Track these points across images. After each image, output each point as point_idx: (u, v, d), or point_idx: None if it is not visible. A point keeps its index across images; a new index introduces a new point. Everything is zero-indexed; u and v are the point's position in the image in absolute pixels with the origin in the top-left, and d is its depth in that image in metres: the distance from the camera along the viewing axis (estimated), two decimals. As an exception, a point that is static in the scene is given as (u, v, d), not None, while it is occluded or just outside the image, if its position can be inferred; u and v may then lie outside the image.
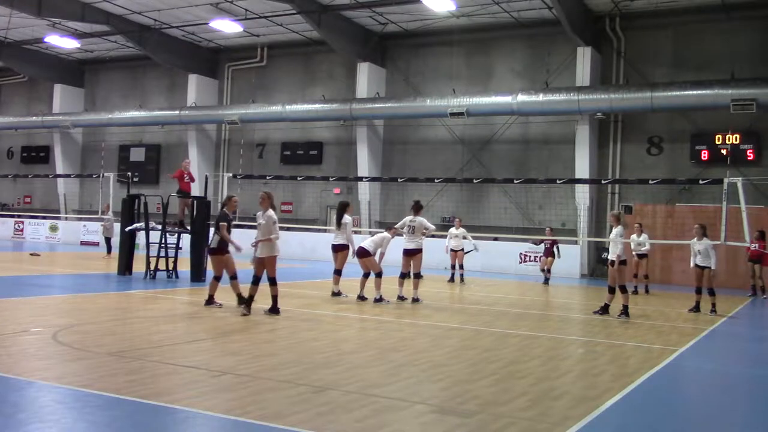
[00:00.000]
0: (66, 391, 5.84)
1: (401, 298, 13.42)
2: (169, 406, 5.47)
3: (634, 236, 16.72)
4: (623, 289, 12.27)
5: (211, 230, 11.94)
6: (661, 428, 5.72)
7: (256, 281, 10.73)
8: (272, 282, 10.69)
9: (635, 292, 16.73)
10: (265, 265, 10.68)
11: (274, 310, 10.78)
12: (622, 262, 12.33)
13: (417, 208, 13.58)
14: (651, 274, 18.04)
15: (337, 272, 13.59)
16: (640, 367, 7.89)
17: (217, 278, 11.39)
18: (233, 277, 11.26)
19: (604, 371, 7.61)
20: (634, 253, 16.86)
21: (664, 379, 7.52)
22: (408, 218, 13.62)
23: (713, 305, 13.34)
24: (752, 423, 6.24)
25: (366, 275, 13.31)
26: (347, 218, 13.37)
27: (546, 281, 18.81)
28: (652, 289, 17.50)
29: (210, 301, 11.37)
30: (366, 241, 13.43)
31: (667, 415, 6.06)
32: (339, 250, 13.40)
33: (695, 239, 13.59)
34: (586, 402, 6.18)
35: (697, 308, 13.48)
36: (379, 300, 12.96)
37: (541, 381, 6.95)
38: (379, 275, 13.15)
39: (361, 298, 13.09)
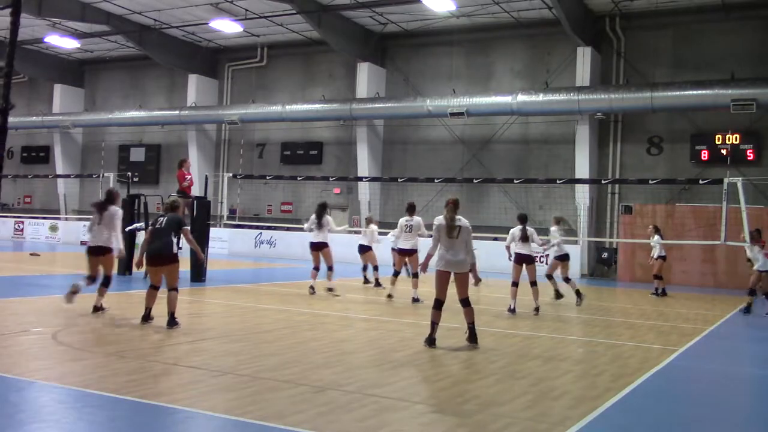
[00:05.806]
0: (66, 391, 5.84)
1: (390, 297, 13.49)
2: (169, 406, 5.47)
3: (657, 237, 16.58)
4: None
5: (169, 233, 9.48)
6: (661, 428, 5.72)
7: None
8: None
9: (655, 293, 16.63)
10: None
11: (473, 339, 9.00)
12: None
13: (411, 209, 13.67)
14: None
15: (330, 268, 13.90)
16: (640, 367, 7.88)
17: (157, 287, 9.45)
18: (175, 288, 9.30)
19: (604, 371, 7.61)
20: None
21: (664, 379, 7.51)
22: (404, 219, 13.66)
23: (749, 305, 13.85)
24: (752, 423, 6.24)
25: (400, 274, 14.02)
26: (328, 218, 13.95)
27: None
28: (649, 289, 17.32)
29: (148, 316, 9.41)
30: (408, 242, 13.53)
31: (667, 415, 6.06)
32: (319, 248, 13.86)
33: (747, 244, 14.54)
34: (586, 402, 6.18)
35: (748, 310, 13.82)
36: (417, 299, 13.13)
37: (541, 381, 6.95)
38: (395, 274, 13.59)
39: (416, 299, 13.17)
